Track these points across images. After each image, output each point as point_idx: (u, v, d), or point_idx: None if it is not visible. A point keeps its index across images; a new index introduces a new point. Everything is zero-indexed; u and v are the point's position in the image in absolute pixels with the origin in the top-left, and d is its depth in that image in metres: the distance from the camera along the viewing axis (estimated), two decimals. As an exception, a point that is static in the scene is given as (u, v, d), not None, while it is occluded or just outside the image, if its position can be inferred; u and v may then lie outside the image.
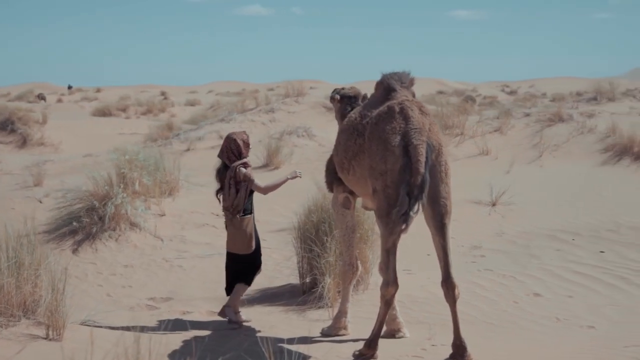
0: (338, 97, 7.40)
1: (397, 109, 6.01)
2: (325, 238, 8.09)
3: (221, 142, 20.32)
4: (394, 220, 5.64)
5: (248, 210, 7.52)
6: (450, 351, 6.07)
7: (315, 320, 7.56)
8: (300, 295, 8.37)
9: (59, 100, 54.18)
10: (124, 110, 44.29)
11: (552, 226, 11.42)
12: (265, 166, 16.71)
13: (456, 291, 5.99)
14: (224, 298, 8.81)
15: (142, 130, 33.70)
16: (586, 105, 20.55)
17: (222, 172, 7.60)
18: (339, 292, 7.90)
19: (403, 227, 5.58)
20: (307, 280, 8.33)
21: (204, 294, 9.06)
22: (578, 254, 10.02)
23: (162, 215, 11.71)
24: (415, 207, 5.59)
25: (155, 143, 27.74)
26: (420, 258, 9.61)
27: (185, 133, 20.69)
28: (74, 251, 10.78)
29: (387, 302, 5.99)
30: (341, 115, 7.33)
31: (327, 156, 16.70)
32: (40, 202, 13.03)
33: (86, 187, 11.48)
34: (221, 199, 7.65)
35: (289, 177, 7.68)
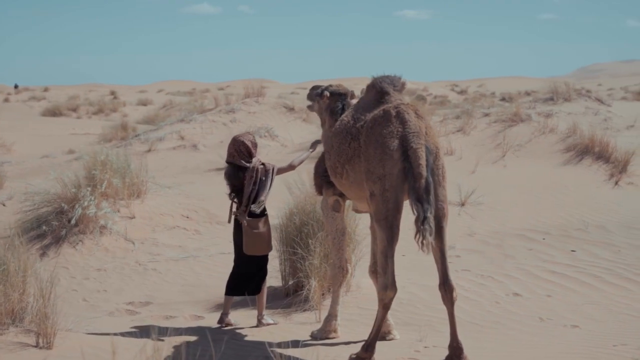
0: (328, 93, 7.39)
1: (393, 112, 6.02)
2: (309, 240, 8.07)
3: (182, 142, 20.27)
4: (421, 231, 5.63)
5: (264, 210, 7.52)
6: (444, 352, 6.09)
7: (302, 323, 7.54)
8: (282, 297, 8.35)
9: (6, 100, 53.15)
10: (74, 110, 43.74)
11: (521, 225, 11.57)
12: (229, 167, 16.61)
13: (454, 294, 6.02)
14: (204, 301, 8.78)
15: (95, 130, 33.29)
16: (543, 106, 20.75)
17: (236, 176, 7.48)
18: (322, 294, 7.91)
19: (428, 234, 5.59)
20: (291, 283, 8.30)
21: (183, 298, 8.97)
22: (550, 253, 10.16)
23: (132, 218, 11.55)
24: (429, 210, 5.62)
25: (110, 143, 27.42)
26: (396, 259, 9.62)
27: (146, 134, 20.46)
28: (43, 255, 10.57)
29: (386, 306, 6.00)
30: (330, 112, 7.31)
31: (291, 157, 16.65)
32: (4, 205, 12.77)
33: (54, 189, 11.27)
34: (234, 203, 7.58)
35: (311, 150, 7.89)
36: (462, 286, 8.75)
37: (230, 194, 7.60)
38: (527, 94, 59.69)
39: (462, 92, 64.69)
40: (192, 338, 6.75)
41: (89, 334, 6.69)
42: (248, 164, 7.46)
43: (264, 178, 7.45)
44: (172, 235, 11.37)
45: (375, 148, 5.94)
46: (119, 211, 11.52)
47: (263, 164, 7.54)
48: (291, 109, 21.35)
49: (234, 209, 7.54)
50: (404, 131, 5.88)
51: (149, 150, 18.89)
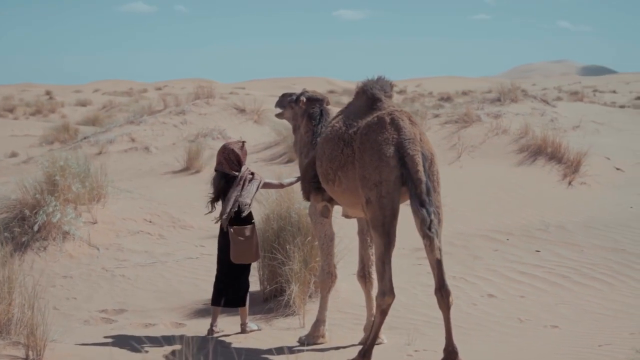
0: (304, 99, 7.42)
1: (387, 119, 6.06)
2: (287, 246, 8.06)
3: (134, 145, 20.05)
4: (428, 236, 5.70)
5: (251, 218, 7.48)
6: (435, 356, 6.16)
7: (286, 328, 7.53)
8: (260, 303, 8.32)
9: (-62, 101, 51.64)
10: (11, 111, 42.85)
11: (484, 226, 11.73)
12: (185, 170, 16.49)
13: (450, 298, 6.08)
14: (180, 308, 8.70)
15: (35, 132, 32.72)
16: (491, 106, 21.07)
17: (218, 183, 7.42)
18: (302, 299, 7.91)
19: (434, 238, 5.67)
20: (271, 288, 8.27)
21: (157, 305, 8.86)
22: (516, 254, 10.32)
23: (94, 223, 11.36)
24: (433, 213, 5.69)
25: (52, 145, 26.90)
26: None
27: (95, 136, 20.16)
28: (5, 264, 10.30)
29: (384, 312, 6.03)
30: (308, 117, 7.35)
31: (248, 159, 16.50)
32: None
33: (15, 195, 11.01)
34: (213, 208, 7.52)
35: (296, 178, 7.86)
36: (436, 288, 8.83)
37: (212, 200, 7.52)
38: (465, 93, 60.62)
39: (401, 92, 65.28)
40: (179, 347, 6.67)
41: (77, 344, 6.58)
42: (237, 173, 7.41)
43: (248, 185, 7.40)
44: (136, 240, 11.22)
45: (371, 155, 5.96)
46: (80, 216, 11.32)
47: (252, 173, 7.50)
48: (242, 110, 21.27)
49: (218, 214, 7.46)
50: (399, 138, 5.93)
51: (100, 153, 18.62)
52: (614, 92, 63.70)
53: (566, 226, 11.58)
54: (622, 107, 36.99)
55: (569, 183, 14.58)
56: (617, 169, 15.99)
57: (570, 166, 14.95)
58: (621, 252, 10.14)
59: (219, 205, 7.57)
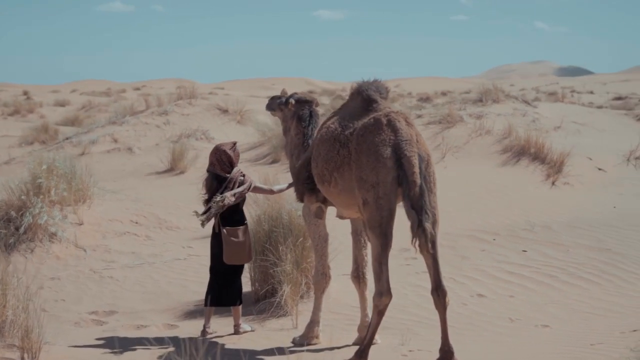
0: (293, 101, 7.47)
1: (384, 120, 6.09)
2: (279, 247, 8.07)
3: (116, 145, 19.95)
4: (417, 236, 5.74)
5: (243, 219, 7.48)
6: (430, 355, 6.19)
7: (279, 329, 7.54)
8: (252, 304, 8.32)
9: None
10: (-12, 111, 42.48)
11: (470, 226, 11.78)
12: (169, 170, 16.44)
13: (447, 299, 6.12)
14: (171, 309, 8.69)
15: (14, 132, 32.44)
16: (473, 107, 21.16)
17: (210, 185, 7.44)
18: (293, 300, 7.92)
19: (423, 239, 5.72)
20: (263, 289, 8.28)
21: (147, 306, 8.83)
22: (503, 254, 10.39)
23: (80, 225, 11.30)
24: (425, 217, 5.73)
25: (32, 146, 26.69)
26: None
27: (77, 136, 20.04)
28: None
29: (381, 313, 6.07)
30: (298, 119, 7.40)
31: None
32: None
33: (0, 196, 10.93)
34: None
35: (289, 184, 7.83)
36: (425, 288, 8.84)
37: (206, 201, 7.53)
38: (444, 94, 60.83)
39: (380, 92, 65.28)
40: (180, 348, 6.66)
41: (71, 346, 6.55)
42: (227, 174, 7.41)
43: (237, 186, 7.41)
44: (123, 242, 11.18)
45: (368, 156, 5.99)
46: (66, 217, 11.26)
47: (244, 175, 7.51)
48: (225, 111, 21.24)
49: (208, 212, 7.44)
50: (396, 139, 5.97)
51: (83, 154, 18.51)
52: (592, 92, 64.08)
53: (551, 226, 11.66)
54: (599, 107, 37.28)
55: (553, 183, 14.68)
56: (599, 169, 16.12)
57: (553, 166, 15.05)
58: (606, 251, 10.23)
59: None
